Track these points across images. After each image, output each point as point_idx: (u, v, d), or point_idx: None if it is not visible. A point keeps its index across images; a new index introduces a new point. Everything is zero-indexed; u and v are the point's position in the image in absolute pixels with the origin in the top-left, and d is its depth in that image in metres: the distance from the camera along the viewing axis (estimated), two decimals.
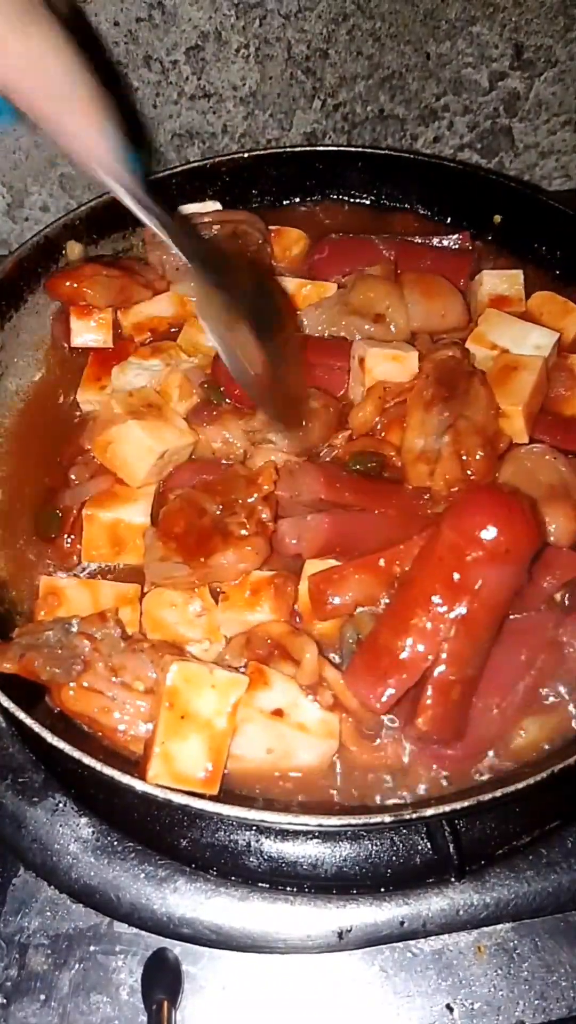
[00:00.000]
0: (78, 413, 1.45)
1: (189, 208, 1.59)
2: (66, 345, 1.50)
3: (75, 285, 1.47)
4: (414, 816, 0.99)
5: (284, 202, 1.75)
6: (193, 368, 1.40)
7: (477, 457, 1.21)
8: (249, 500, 1.18)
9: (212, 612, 1.19)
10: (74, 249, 1.55)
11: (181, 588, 1.18)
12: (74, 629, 1.12)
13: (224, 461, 1.31)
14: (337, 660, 1.16)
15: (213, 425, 1.31)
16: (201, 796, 1.01)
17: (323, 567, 1.18)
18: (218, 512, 1.18)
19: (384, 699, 1.04)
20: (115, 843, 1.13)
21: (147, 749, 1.05)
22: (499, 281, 1.53)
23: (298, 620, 1.19)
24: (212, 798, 1.01)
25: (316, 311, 1.46)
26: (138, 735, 1.08)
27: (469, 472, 1.21)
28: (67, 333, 1.49)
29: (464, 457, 1.21)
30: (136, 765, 1.06)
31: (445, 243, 1.64)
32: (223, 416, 1.31)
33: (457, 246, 1.63)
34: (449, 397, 1.25)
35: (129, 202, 1.10)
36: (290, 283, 1.53)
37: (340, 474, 1.25)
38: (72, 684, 1.08)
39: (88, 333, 1.48)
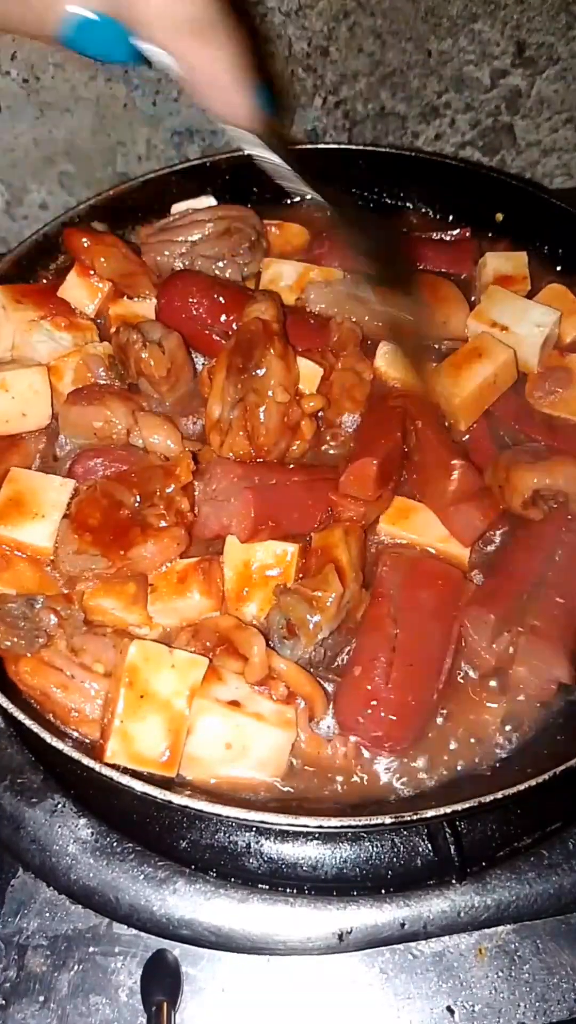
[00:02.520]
0: None
1: (183, 204, 1.58)
2: None
3: (89, 245, 1.46)
4: (415, 817, 0.99)
5: (284, 200, 1.74)
6: (96, 356, 1.38)
7: (260, 438, 1.25)
8: (167, 491, 1.18)
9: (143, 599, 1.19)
10: (99, 227, 1.55)
11: (100, 580, 1.17)
12: (38, 605, 1.12)
13: (132, 446, 1.29)
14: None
15: (93, 405, 1.30)
16: (168, 784, 1.01)
17: (242, 549, 1.18)
18: (136, 504, 1.17)
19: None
20: (114, 844, 1.13)
21: (105, 730, 1.05)
22: (503, 261, 1.53)
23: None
24: (212, 799, 1.01)
25: (324, 288, 1.46)
26: (91, 717, 1.08)
27: (252, 451, 1.26)
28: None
29: (250, 433, 1.25)
30: (93, 748, 1.06)
31: (446, 239, 1.64)
32: (105, 397, 1.31)
33: (458, 240, 1.63)
34: (243, 369, 1.27)
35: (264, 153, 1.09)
36: (297, 267, 1.52)
37: (254, 463, 1.26)
38: (30, 656, 1.08)
39: (77, 291, 1.47)
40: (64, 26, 0.84)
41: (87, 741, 1.09)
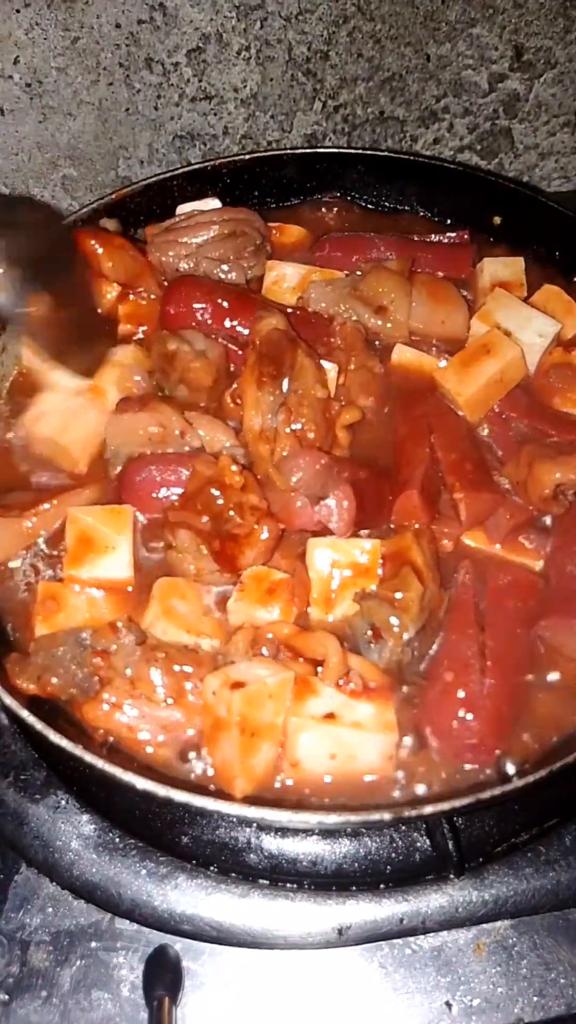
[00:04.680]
0: None
1: (188, 206, 1.60)
2: None
3: (98, 247, 1.47)
4: (413, 814, 1.00)
5: (285, 203, 1.76)
6: (131, 366, 1.40)
7: (310, 435, 1.27)
8: (232, 501, 1.19)
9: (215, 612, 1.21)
10: (109, 225, 1.55)
11: (202, 581, 1.20)
12: (87, 642, 1.12)
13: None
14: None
15: (144, 411, 1.30)
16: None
17: (326, 551, 1.19)
18: (210, 525, 1.19)
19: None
20: (116, 840, 1.14)
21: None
22: (500, 267, 1.55)
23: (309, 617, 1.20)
24: (212, 795, 1.02)
25: (326, 288, 1.48)
26: (162, 745, 1.11)
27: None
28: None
29: (299, 433, 1.27)
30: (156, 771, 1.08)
31: (444, 241, 1.65)
32: (151, 401, 1.32)
33: (457, 242, 1.65)
34: (277, 374, 1.28)
35: None
36: (299, 269, 1.54)
37: (330, 455, 1.28)
38: (98, 700, 1.10)
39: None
40: None
41: (161, 769, 1.11)
